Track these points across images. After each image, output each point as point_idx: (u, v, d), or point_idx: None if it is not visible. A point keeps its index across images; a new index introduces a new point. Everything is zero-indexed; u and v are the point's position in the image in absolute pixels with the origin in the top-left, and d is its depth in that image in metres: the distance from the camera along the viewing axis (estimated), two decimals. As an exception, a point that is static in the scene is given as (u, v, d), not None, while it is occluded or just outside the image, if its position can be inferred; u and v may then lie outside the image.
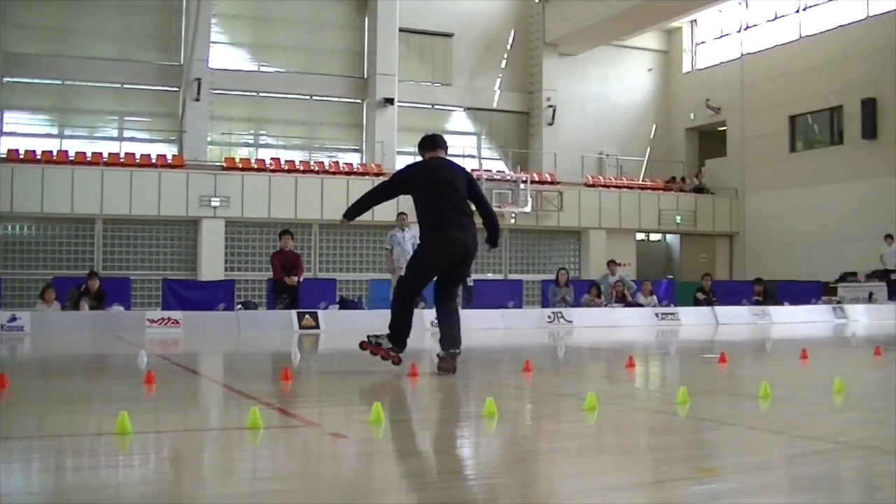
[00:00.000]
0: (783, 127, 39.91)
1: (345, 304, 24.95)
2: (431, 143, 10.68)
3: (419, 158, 10.61)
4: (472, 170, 36.01)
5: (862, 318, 25.84)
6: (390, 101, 38.29)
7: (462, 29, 41.26)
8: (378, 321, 20.96)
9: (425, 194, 10.23)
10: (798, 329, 20.86)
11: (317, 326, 20.50)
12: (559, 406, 7.75)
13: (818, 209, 36.92)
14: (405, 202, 30.92)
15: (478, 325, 21.25)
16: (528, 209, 36.16)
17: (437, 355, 10.06)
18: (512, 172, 37.24)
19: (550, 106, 41.74)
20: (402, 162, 38.08)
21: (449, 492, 4.35)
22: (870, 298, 29.44)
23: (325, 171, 35.27)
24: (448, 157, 10.79)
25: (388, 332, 10.43)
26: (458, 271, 10.44)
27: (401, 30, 39.14)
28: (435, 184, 10.21)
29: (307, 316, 20.75)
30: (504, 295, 26.64)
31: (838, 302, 28.90)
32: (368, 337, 10.52)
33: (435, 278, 10.47)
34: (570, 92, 42.71)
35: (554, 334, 19.57)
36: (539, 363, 10.95)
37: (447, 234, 10.07)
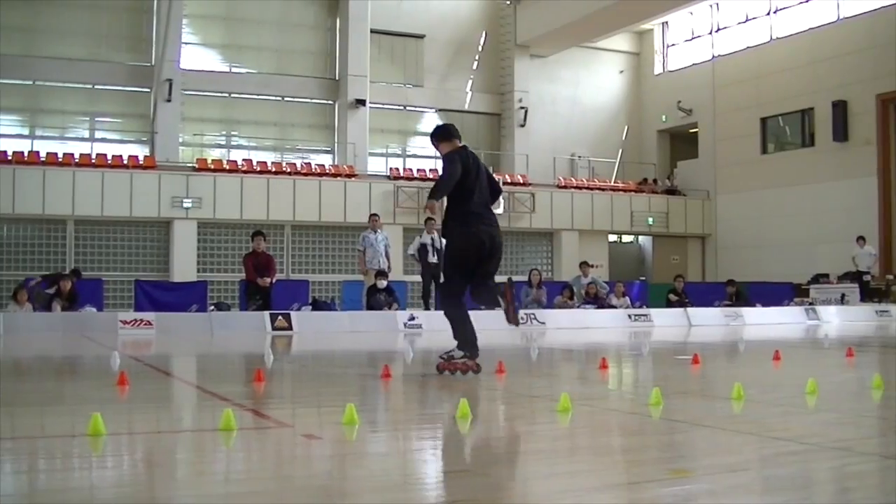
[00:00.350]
0: (755, 129, 40.11)
1: (318, 305, 24.91)
2: (449, 133, 10.43)
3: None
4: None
5: (834, 319, 25.98)
6: (362, 102, 38.31)
7: (433, 30, 41.30)
8: (350, 322, 21.04)
9: (461, 184, 9.91)
10: (771, 330, 20.96)
11: (290, 328, 20.46)
12: (532, 407, 7.76)
13: (790, 211, 37.11)
14: (376, 204, 30.76)
15: (449, 326, 21.28)
16: (500, 211, 36.12)
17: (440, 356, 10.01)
18: (484, 174, 37.20)
19: (522, 107, 41.83)
20: (374, 163, 38.22)
21: (422, 493, 4.36)
22: (842, 300, 29.59)
23: (297, 173, 35.24)
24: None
25: (455, 344, 10.00)
26: (488, 263, 10.15)
27: (372, 31, 39.16)
28: (468, 174, 9.97)
29: (280, 317, 20.71)
30: (476, 296, 26.62)
31: (810, 303, 29.04)
32: (440, 357, 9.99)
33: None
34: (542, 93, 42.81)
35: (526, 336, 19.58)
36: (512, 364, 10.98)
37: (476, 227, 9.92)
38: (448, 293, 10.33)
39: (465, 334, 9.95)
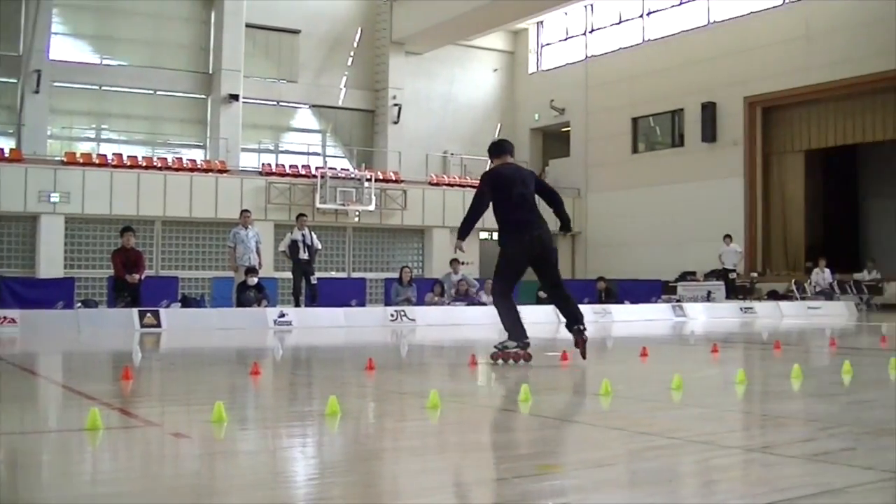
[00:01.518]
0: (626, 128, 40.69)
1: (187, 302, 24.67)
2: (500, 149, 11.41)
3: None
4: (317, 167, 36.00)
5: (701, 316, 26.36)
6: (235, 97, 38.01)
7: (309, 26, 41.11)
8: (220, 319, 20.84)
9: (504, 197, 10.94)
10: (639, 327, 21.24)
11: (158, 325, 20.16)
12: (402, 404, 7.78)
13: (659, 209, 37.69)
14: (247, 200, 30.49)
15: (321, 323, 21.29)
16: (372, 207, 36.18)
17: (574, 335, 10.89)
18: (356, 170, 37.18)
19: (396, 104, 41.88)
20: (246, 159, 37.90)
21: (291, 491, 4.35)
22: (708, 297, 30.10)
23: (169, 168, 34.70)
24: (515, 161, 11.41)
25: (507, 335, 10.87)
26: (544, 268, 11.18)
27: (247, 25, 38.85)
28: (511, 187, 10.95)
29: (149, 314, 20.39)
30: (347, 293, 26.60)
31: (678, 300, 29.49)
32: (494, 348, 10.93)
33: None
34: (416, 91, 42.90)
35: (397, 332, 19.59)
36: (382, 361, 10.99)
37: (525, 234, 10.84)
38: (499, 291, 11.26)
39: (514, 326, 10.86)
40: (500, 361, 10.69)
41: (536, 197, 11.22)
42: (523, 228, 10.86)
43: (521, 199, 10.93)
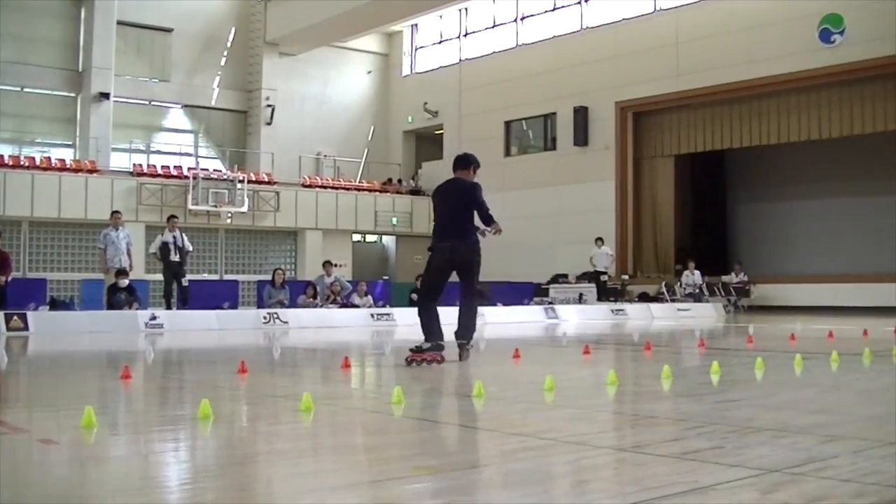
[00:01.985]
0: (499, 131, 40.94)
1: (56, 304, 24.20)
2: (454, 164, 12.24)
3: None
4: (189, 168, 35.61)
5: (573, 318, 26.63)
6: (106, 95, 37.36)
7: (182, 24, 40.62)
8: (90, 322, 20.49)
9: (439, 210, 12.01)
10: (511, 329, 21.34)
11: (26, 328, 19.72)
12: (275, 407, 7.73)
13: (532, 212, 37.96)
14: (118, 201, 30.10)
15: (193, 325, 21.07)
16: (244, 209, 35.95)
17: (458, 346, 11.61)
18: (229, 172, 36.90)
19: (269, 105, 41.63)
20: (117, 159, 37.34)
21: (163, 496, 4.30)
22: (580, 299, 30.45)
23: (37, 167, 34.05)
24: (460, 176, 12.03)
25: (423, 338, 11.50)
26: (462, 275, 11.93)
27: (119, 23, 38.20)
28: (443, 200, 11.91)
29: (15, 317, 19.95)
30: (220, 295, 26.33)
31: (550, 303, 29.75)
32: (410, 350, 11.34)
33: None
34: (290, 92, 42.67)
35: (270, 335, 19.48)
36: (255, 364, 10.92)
37: (439, 244, 11.72)
38: (419, 294, 12.53)
39: (429, 329, 11.53)
40: (414, 364, 11.01)
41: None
42: (440, 239, 11.68)
43: (445, 212, 11.80)
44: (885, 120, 30.79)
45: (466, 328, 11.72)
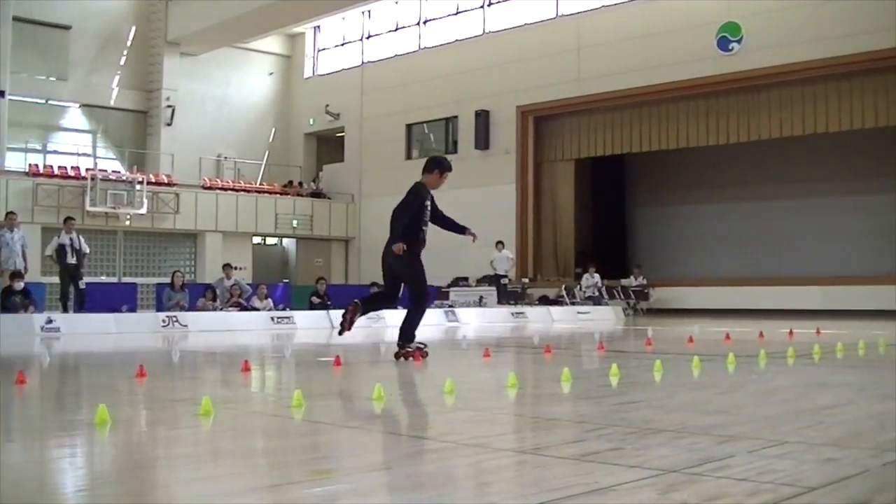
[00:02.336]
0: (400, 134, 41.05)
1: (-53, 307, 23.76)
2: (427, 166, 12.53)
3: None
4: (87, 169, 35.12)
5: (473, 320, 26.74)
6: (1, 93, 36.65)
7: (80, 22, 40.09)
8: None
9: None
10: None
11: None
12: (175, 412, 7.65)
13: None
14: (13, 201, 29.54)
15: (90, 329, 20.78)
16: (143, 211, 35.60)
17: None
18: (128, 173, 36.49)
19: (170, 106, 41.24)
20: (12, 159, 36.74)
21: (60, 503, 4.24)
22: (480, 302, 30.55)
23: (-72, 167, 33.41)
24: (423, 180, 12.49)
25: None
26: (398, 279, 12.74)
27: (14, 18, 37.45)
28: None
29: None
30: (118, 298, 26.03)
31: (450, 305, 29.82)
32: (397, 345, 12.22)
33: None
34: (191, 92, 42.33)
35: (169, 338, 19.30)
36: (154, 368, 10.79)
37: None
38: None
39: (406, 329, 12.27)
40: (401, 359, 11.89)
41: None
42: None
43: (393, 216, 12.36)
44: (780, 126, 31.38)
45: (401, 331, 12.27)
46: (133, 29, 41.60)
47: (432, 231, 12.93)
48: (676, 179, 37.93)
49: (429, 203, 12.46)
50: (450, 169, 12.40)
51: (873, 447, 5.24)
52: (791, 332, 17.60)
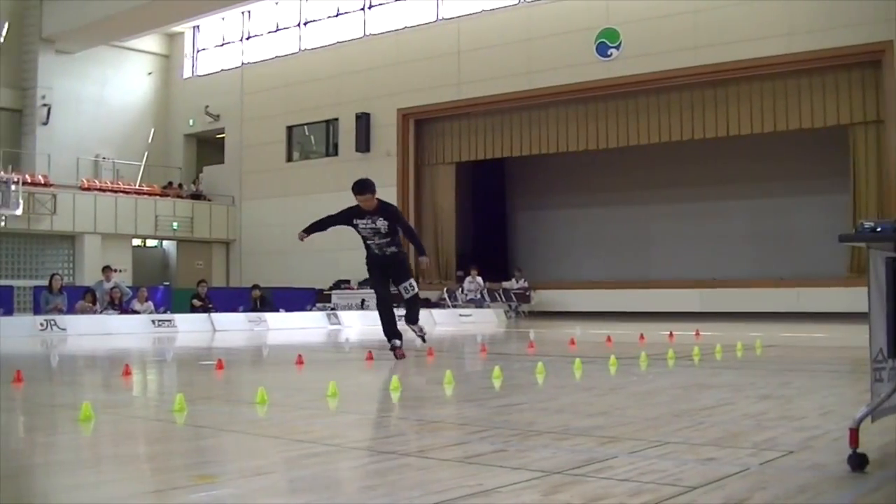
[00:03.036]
0: (281, 136, 40.84)
1: None
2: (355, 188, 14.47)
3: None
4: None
5: (356, 323, 26.70)
6: None
7: (-51, 17, 39.15)
8: None
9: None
10: (294, 335, 21.34)
11: None
12: (54, 417, 7.54)
13: (314, 218, 37.78)
14: None
15: None
16: (19, 212, 34.89)
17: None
18: (2, 173, 35.72)
19: (45, 105, 40.45)
20: None
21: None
22: (362, 305, 30.53)
23: None
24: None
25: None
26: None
27: None
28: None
29: None
30: (-8, 302, 25.59)
31: (332, 308, 29.78)
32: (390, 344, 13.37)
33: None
34: (68, 91, 41.56)
35: (47, 343, 18.99)
36: (31, 373, 10.61)
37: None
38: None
39: (385, 330, 13.62)
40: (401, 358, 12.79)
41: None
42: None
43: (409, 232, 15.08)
44: (658, 132, 31.88)
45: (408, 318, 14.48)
46: (6, 25, 40.72)
47: (319, 234, 13.76)
48: (557, 183, 38.25)
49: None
50: (355, 192, 14.82)
51: (752, 446, 5.37)
52: (671, 335, 17.88)
